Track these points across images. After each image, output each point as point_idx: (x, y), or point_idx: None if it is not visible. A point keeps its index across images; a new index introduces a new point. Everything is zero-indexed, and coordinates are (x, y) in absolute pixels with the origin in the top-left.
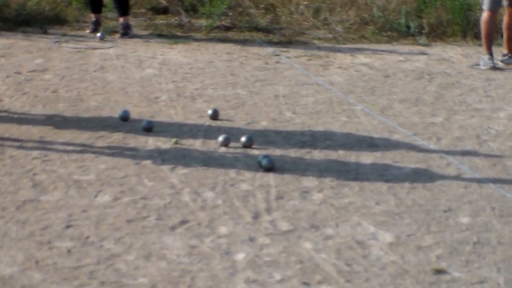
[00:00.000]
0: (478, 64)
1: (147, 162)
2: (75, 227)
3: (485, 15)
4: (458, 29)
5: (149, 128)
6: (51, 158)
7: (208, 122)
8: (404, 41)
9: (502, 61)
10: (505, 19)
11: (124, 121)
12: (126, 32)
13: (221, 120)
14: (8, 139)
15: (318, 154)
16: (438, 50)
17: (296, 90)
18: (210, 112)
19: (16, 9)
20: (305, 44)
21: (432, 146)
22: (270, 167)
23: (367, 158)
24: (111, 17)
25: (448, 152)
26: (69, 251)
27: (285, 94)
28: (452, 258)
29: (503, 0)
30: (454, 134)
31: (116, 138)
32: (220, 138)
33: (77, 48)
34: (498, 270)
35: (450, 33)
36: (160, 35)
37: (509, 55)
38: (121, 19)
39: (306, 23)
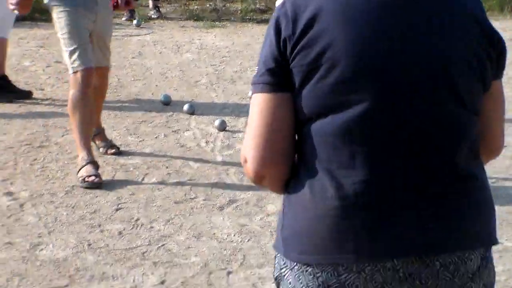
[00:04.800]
0: None
1: (192, 145)
2: (125, 210)
3: None
4: (495, 3)
5: (191, 111)
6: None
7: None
8: None
9: None
10: None
11: (166, 105)
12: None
13: None
14: (53, 126)
15: None
16: None
17: None
18: (217, 123)
19: None
20: None
21: None
22: None
23: None
24: (146, 4)
25: None
26: (120, 233)
27: None
28: (503, 228)
29: None
30: None
31: (158, 122)
32: (216, 122)
33: (114, 35)
34: None
35: (487, 8)
36: (196, 20)
37: None
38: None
39: None
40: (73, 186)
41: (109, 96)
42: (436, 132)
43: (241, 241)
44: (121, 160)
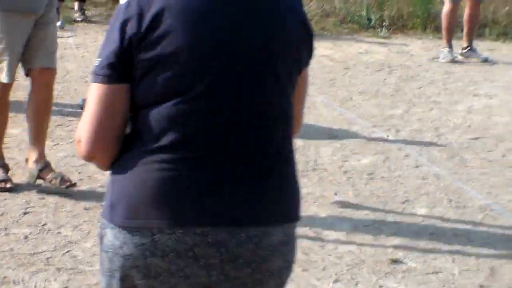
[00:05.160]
0: (437, 57)
1: None
2: (33, 214)
3: (446, 8)
4: (418, 22)
5: None
6: (10, 146)
7: None
8: (365, 34)
9: (461, 54)
10: (466, 12)
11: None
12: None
13: None
14: None
15: None
16: (399, 42)
17: None
18: None
19: None
20: None
21: (391, 137)
22: None
23: (326, 149)
24: (72, 6)
25: (406, 144)
26: (26, 237)
27: None
28: (408, 249)
29: None
30: (413, 127)
31: (75, 126)
32: None
33: None
34: (453, 260)
35: (410, 26)
36: None
37: (469, 48)
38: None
39: None
40: None
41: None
42: (258, 117)
43: None
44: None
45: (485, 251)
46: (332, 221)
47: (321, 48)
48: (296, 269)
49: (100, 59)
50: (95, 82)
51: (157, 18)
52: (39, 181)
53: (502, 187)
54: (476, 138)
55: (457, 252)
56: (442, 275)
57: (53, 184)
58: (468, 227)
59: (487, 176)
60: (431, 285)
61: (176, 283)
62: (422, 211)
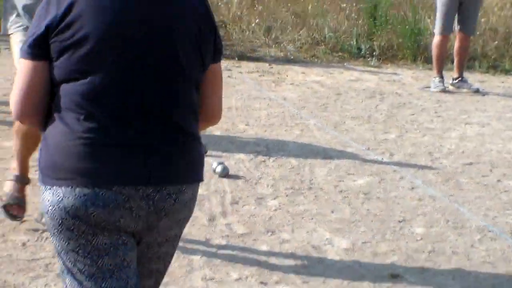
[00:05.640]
0: (428, 87)
1: None
2: (30, 222)
3: (436, 39)
4: (408, 52)
5: None
6: (4, 157)
7: None
8: (355, 62)
9: (452, 84)
10: (456, 44)
11: None
12: None
13: None
14: None
15: (272, 164)
16: (389, 72)
17: (249, 104)
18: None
19: None
20: (256, 61)
21: (385, 160)
22: (225, 174)
23: (321, 169)
24: None
25: (401, 167)
26: (24, 244)
27: (238, 106)
28: (407, 265)
29: (454, 25)
30: (407, 151)
31: None
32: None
33: None
34: (453, 278)
35: (400, 56)
36: None
37: (459, 79)
38: None
39: (257, 40)
40: None
41: None
42: (161, 97)
43: None
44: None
45: (484, 269)
46: (330, 237)
47: (312, 75)
48: (296, 281)
49: (27, 37)
50: (21, 57)
51: (71, 5)
52: None
53: (498, 210)
54: (470, 164)
55: (456, 270)
56: None
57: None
58: (467, 246)
59: (483, 199)
60: None
61: (111, 230)
62: (420, 230)
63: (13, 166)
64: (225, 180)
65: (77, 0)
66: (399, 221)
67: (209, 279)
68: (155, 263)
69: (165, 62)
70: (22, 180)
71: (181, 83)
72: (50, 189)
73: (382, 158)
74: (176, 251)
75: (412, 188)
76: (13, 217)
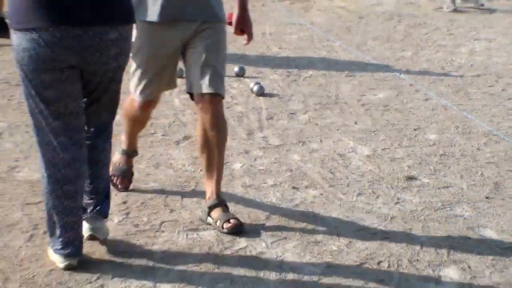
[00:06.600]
0: (441, 7)
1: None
2: None
3: None
4: None
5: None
6: None
7: None
8: None
9: (462, 1)
10: None
11: None
12: None
13: None
14: None
15: (302, 82)
16: None
17: (281, 29)
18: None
19: None
20: None
21: (402, 76)
22: (261, 92)
23: (345, 85)
24: None
25: (416, 81)
26: None
27: (271, 32)
28: (421, 167)
29: None
30: (422, 66)
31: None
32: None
33: None
34: (462, 177)
35: None
36: None
37: None
38: None
39: None
40: None
41: None
42: None
43: (194, 170)
44: None
45: (489, 169)
46: (354, 146)
47: (337, 1)
48: (324, 185)
49: None
50: None
51: None
52: None
53: (502, 116)
54: (478, 76)
55: (464, 169)
56: (452, 189)
57: (218, 225)
58: (474, 149)
59: (489, 107)
60: (443, 198)
61: (54, 66)
62: (433, 136)
63: (122, 139)
64: (261, 98)
65: None
66: (414, 129)
67: (248, 186)
68: (103, 92)
69: None
70: (129, 152)
71: None
72: (15, 33)
73: (400, 74)
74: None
75: (426, 99)
76: (118, 188)
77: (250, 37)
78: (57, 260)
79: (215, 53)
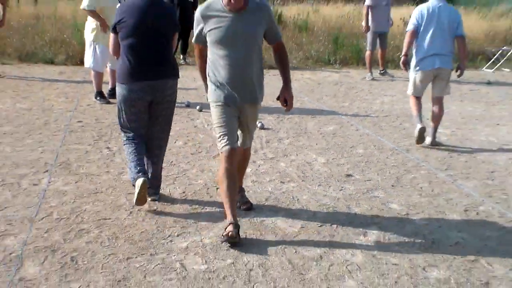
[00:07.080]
0: (365, 77)
1: (200, 125)
2: (168, 156)
3: (367, 53)
4: (354, 60)
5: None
6: None
7: None
8: (328, 67)
9: (380, 73)
10: (379, 52)
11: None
12: None
13: None
14: None
15: (286, 121)
16: (345, 71)
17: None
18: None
19: None
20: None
21: (343, 117)
22: (262, 127)
23: (311, 122)
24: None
25: (351, 119)
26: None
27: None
28: (354, 169)
29: (377, 44)
30: (354, 111)
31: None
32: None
33: None
34: (377, 174)
35: (351, 63)
36: None
37: (383, 71)
38: None
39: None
40: None
41: None
42: (159, 46)
43: None
44: None
45: (393, 169)
46: (316, 157)
47: (306, 74)
48: (299, 180)
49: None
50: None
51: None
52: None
53: (400, 139)
54: (386, 116)
55: (379, 170)
56: (372, 181)
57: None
58: (384, 158)
59: (393, 133)
60: (367, 186)
61: (141, 103)
62: (361, 151)
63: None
64: (262, 130)
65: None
66: (350, 147)
67: (255, 181)
68: (160, 114)
69: (158, 37)
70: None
71: (166, 43)
72: (120, 86)
73: (342, 116)
74: None
75: (357, 130)
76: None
77: (290, 107)
78: (135, 183)
79: (253, 122)
